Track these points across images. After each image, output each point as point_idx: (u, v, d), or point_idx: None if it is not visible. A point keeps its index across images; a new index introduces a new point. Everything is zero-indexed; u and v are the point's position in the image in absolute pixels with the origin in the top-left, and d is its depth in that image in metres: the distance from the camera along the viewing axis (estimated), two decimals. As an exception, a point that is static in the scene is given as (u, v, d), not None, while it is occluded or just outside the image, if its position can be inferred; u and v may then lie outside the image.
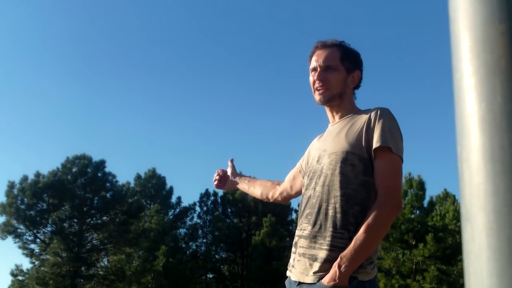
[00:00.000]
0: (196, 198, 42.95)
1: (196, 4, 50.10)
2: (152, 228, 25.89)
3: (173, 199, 32.07)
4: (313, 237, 1.90)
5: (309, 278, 1.87)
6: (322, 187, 1.94)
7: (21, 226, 25.51)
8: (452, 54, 0.44)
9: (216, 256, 31.26)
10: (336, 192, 1.89)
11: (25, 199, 25.32)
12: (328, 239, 1.85)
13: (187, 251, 29.87)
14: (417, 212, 22.89)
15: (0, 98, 44.37)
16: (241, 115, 48.53)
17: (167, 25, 49.65)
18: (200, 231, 31.93)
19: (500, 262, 0.37)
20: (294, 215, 32.45)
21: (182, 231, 31.67)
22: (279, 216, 29.66)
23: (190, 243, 31.22)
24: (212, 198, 32.39)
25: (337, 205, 1.88)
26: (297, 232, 2.01)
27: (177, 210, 32.09)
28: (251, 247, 28.45)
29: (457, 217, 24.67)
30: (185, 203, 32.98)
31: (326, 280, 1.79)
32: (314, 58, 2.10)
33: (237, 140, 48.47)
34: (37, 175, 26.08)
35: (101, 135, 45.77)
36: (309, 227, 1.93)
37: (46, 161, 51.74)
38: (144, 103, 47.73)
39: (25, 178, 25.93)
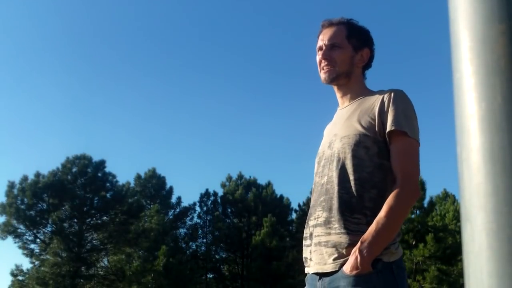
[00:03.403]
0: (196, 198, 42.97)
1: (197, 3, 50.12)
2: (152, 228, 25.89)
3: (173, 199, 32.12)
4: (328, 223, 1.81)
5: (329, 266, 1.78)
6: (336, 171, 1.85)
7: (21, 226, 25.54)
8: (452, 54, 0.44)
9: (216, 256, 31.28)
10: (351, 176, 1.81)
11: (25, 199, 25.34)
12: (344, 223, 1.76)
13: (187, 251, 29.88)
14: (417, 212, 22.91)
15: (1, 97, 44.41)
16: (242, 115, 48.58)
17: (167, 24, 49.69)
18: (200, 231, 31.96)
19: (500, 262, 0.37)
20: (294, 215, 32.45)
21: (182, 231, 31.72)
22: (279, 216, 29.65)
23: (190, 243, 31.24)
24: (212, 198, 32.42)
25: (352, 190, 1.80)
26: (311, 222, 1.90)
27: (177, 210, 32.11)
28: (251, 247, 28.45)
29: (457, 217, 24.68)
30: (185, 203, 33.03)
31: (348, 268, 1.69)
32: (320, 37, 2.03)
33: (238, 140, 48.51)
34: (37, 175, 26.10)
35: (101, 135, 45.82)
36: (324, 214, 1.84)
37: (46, 161, 51.82)
38: (144, 103, 47.80)
39: (25, 178, 25.95)
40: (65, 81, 46.08)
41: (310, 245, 1.88)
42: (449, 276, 22.19)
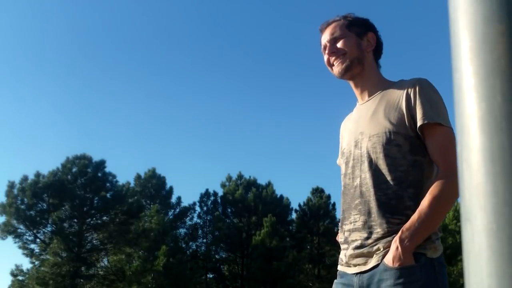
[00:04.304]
0: (196, 198, 42.96)
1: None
2: (152, 228, 25.92)
3: (173, 199, 32.13)
4: (369, 227, 1.75)
5: (370, 264, 1.73)
6: (369, 172, 1.78)
7: (21, 226, 25.56)
8: (452, 54, 0.44)
9: (216, 256, 31.29)
10: (386, 177, 1.75)
11: (25, 199, 25.37)
12: (387, 227, 1.71)
13: (187, 251, 29.90)
14: (417, 212, 22.88)
15: (1, 97, 44.43)
16: (242, 115, 48.59)
17: (168, 22, 49.70)
18: (200, 231, 31.98)
19: (500, 262, 0.37)
20: (294, 215, 32.47)
21: (182, 231, 31.73)
22: (279, 216, 29.67)
23: (190, 243, 31.26)
24: (212, 198, 32.44)
25: (390, 191, 1.74)
26: (347, 227, 1.84)
27: (177, 210, 32.12)
28: (251, 247, 28.47)
29: (457, 217, 24.68)
30: (185, 203, 33.03)
31: (390, 260, 1.64)
32: (322, 39, 2.01)
33: (237, 139, 48.53)
34: (37, 175, 26.13)
35: (102, 134, 45.83)
36: (362, 217, 1.78)
37: (46, 161, 51.84)
38: (144, 102, 47.79)
39: (25, 178, 25.98)
40: (66, 81, 46.13)
41: (347, 248, 1.83)
42: (449, 276, 22.20)
